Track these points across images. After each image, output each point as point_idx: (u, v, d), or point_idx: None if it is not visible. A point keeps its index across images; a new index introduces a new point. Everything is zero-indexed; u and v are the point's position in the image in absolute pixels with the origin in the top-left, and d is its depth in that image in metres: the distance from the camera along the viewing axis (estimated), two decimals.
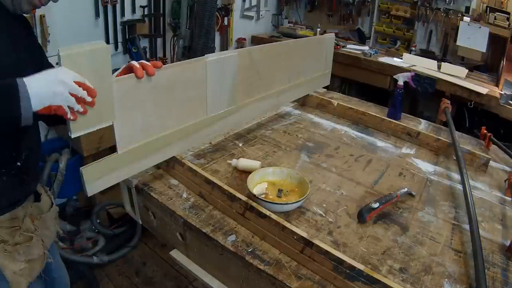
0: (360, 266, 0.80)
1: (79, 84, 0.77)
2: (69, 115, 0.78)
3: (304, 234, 0.88)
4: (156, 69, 0.97)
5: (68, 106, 0.77)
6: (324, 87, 2.04)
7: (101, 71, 0.85)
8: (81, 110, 0.79)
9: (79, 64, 0.80)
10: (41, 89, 0.74)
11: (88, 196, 0.95)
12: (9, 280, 0.98)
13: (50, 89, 0.74)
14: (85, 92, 0.78)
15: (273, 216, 0.93)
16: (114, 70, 0.94)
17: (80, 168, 0.90)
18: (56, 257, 1.27)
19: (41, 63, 1.02)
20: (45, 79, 0.75)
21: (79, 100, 0.78)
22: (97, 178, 0.95)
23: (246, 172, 1.18)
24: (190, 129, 1.20)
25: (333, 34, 1.94)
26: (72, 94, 0.76)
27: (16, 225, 1.00)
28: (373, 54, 3.33)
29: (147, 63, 0.96)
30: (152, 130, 1.07)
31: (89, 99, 0.79)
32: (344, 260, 0.82)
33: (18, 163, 0.96)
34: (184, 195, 1.10)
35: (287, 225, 0.90)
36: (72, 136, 0.85)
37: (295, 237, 0.88)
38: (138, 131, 1.02)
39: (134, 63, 0.95)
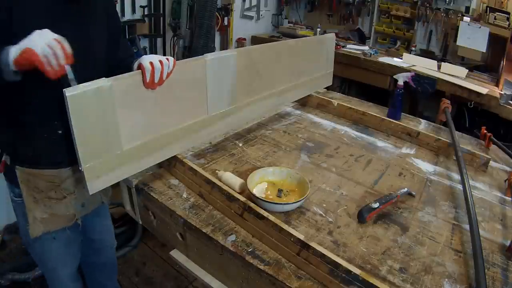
0: (356, 271, 0.80)
1: (58, 41, 0.82)
2: (46, 67, 0.81)
3: (301, 236, 0.88)
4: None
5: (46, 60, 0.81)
6: (324, 87, 2.05)
7: (106, 106, 0.92)
8: (57, 68, 0.83)
9: (85, 103, 0.87)
10: (22, 43, 0.82)
11: (90, 194, 0.95)
12: (29, 222, 1.09)
13: (29, 39, 0.81)
14: (62, 51, 0.82)
15: (271, 217, 0.93)
16: None
17: (83, 166, 0.90)
18: (103, 221, 1.41)
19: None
20: (27, 38, 0.82)
21: (56, 57, 0.82)
22: (99, 176, 0.95)
23: (247, 172, 1.18)
24: (192, 128, 1.20)
25: (333, 33, 1.94)
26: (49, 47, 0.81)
27: (56, 181, 1.09)
28: (373, 54, 3.33)
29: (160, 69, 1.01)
30: (153, 128, 1.07)
31: (62, 61, 0.83)
32: (340, 264, 0.81)
33: (60, 131, 1.04)
34: (184, 195, 1.10)
35: (284, 226, 0.90)
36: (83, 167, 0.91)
37: (292, 239, 0.88)
38: (139, 129, 1.03)
39: (147, 68, 0.99)
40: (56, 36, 0.82)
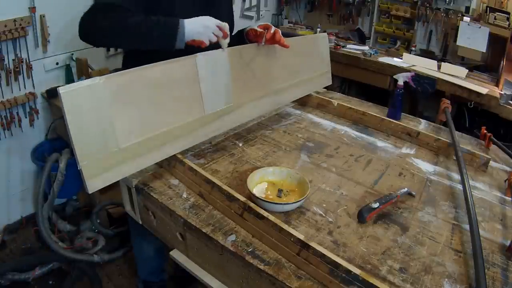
0: (356, 271, 0.80)
1: (219, 27, 1.16)
2: (207, 44, 1.16)
3: (301, 236, 0.87)
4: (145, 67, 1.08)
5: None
6: (324, 87, 2.05)
7: (100, 104, 0.93)
8: (214, 40, 1.17)
9: (79, 100, 0.89)
10: (192, 29, 1.11)
11: (89, 193, 0.96)
12: None
13: (198, 30, 1.12)
14: (221, 32, 1.17)
15: (271, 217, 0.93)
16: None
17: (80, 163, 0.91)
18: None
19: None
20: (196, 22, 1.12)
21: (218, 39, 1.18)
22: (97, 175, 0.95)
23: (247, 172, 1.18)
24: (189, 127, 1.21)
25: (326, 33, 1.95)
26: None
27: None
28: (373, 54, 3.33)
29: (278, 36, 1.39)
30: (150, 126, 1.08)
31: (221, 38, 1.18)
32: (340, 264, 0.81)
33: None
34: (184, 195, 1.10)
35: (284, 226, 0.90)
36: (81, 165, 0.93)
37: (292, 239, 0.88)
38: (135, 127, 1.04)
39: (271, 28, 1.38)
40: (218, 23, 1.15)
